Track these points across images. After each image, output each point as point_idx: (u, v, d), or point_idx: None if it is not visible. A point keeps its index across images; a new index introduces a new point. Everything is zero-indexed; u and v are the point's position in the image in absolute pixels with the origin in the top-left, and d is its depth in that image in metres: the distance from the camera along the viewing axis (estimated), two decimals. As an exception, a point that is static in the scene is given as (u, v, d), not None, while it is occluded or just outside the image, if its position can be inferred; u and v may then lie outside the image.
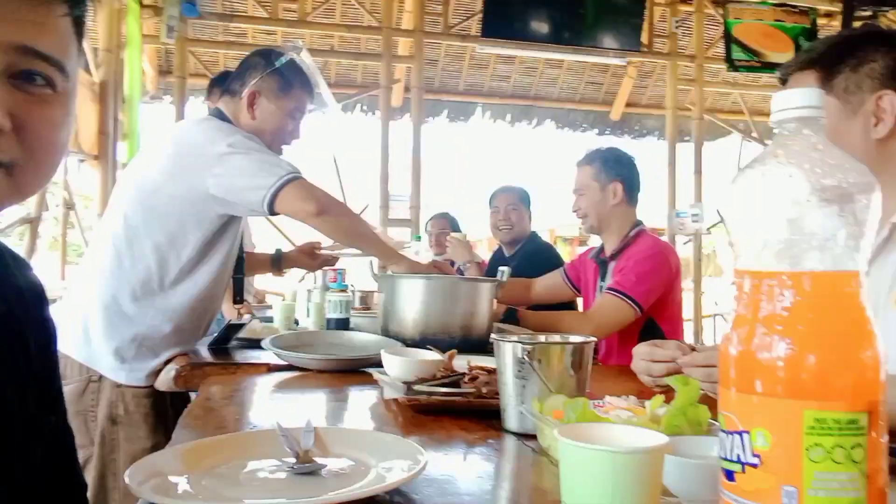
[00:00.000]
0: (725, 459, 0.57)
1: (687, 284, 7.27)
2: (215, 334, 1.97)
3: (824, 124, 0.58)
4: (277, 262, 2.53)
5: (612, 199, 2.47)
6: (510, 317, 2.26)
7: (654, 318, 2.35)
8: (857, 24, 6.24)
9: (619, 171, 2.48)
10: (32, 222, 4.70)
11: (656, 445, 0.62)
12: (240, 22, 5.72)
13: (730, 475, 0.57)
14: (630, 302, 2.24)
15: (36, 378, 0.78)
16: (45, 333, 0.82)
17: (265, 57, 2.02)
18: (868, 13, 6.15)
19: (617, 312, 2.24)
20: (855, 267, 0.54)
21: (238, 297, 2.23)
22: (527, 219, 3.59)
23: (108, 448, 1.78)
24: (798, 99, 0.57)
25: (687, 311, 5.99)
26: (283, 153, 2.06)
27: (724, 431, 0.57)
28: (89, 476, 1.74)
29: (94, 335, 1.81)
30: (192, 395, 1.71)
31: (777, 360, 0.54)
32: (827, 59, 1.30)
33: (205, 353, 1.86)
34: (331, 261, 2.51)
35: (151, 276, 1.83)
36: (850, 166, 0.54)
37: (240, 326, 1.95)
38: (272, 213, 1.81)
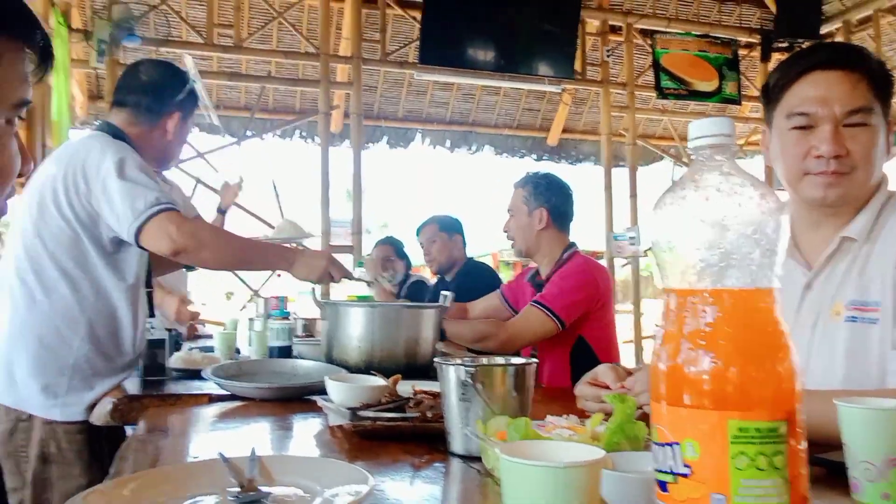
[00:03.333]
0: (659, 471, 0.60)
1: (627, 306, 7.45)
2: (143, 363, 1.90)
3: (735, 150, 0.62)
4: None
5: (537, 225, 2.50)
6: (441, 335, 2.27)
7: (585, 338, 2.39)
8: (775, 55, 6.60)
9: (547, 197, 2.52)
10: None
11: (594, 460, 0.64)
12: (174, 47, 5.64)
13: (663, 486, 0.59)
14: (549, 314, 2.27)
15: None
16: None
17: (178, 76, 2.04)
18: (785, 45, 6.51)
19: (535, 323, 2.28)
20: (769, 284, 0.58)
21: (150, 313, 2.15)
22: (451, 246, 3.64)
23: (41, 488, 1.71)
24: (710, 127, 0.61)
25: (627, 333, 6.12)
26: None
27: (656, 444, 0.60)
28: None
29: (20, 376, 1.73)
30: (129, 431, 1.66)
31: (702, 373, 0.57)
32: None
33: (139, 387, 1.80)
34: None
35: (69, 304, 1.77)
36: (761, 191, 0.59)
37: (158, 342, 1.89)
38: (141, 248, 1.77)
